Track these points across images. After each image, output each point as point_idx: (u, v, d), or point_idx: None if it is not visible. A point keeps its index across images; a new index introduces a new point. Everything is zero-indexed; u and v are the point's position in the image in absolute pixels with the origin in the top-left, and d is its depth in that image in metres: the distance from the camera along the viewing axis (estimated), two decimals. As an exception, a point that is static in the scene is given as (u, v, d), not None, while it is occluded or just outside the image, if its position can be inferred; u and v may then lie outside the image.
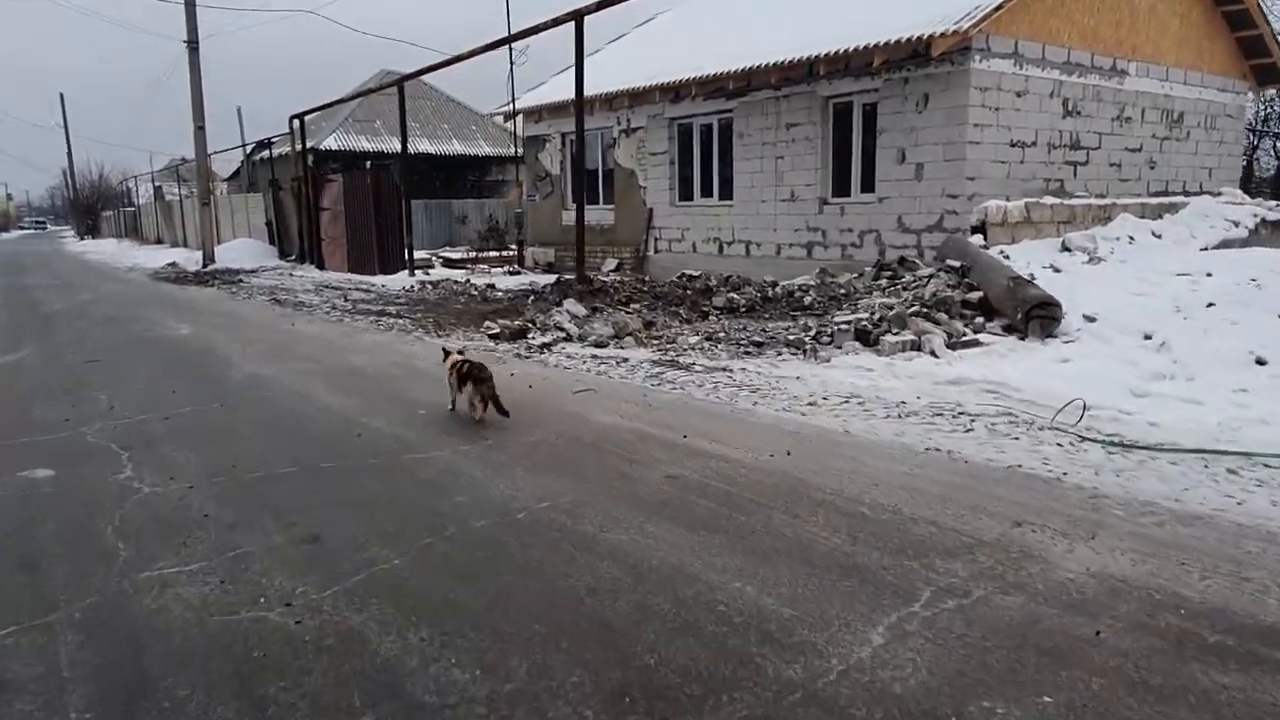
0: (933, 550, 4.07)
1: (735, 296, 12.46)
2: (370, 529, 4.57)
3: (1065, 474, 5.11)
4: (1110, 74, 15.64)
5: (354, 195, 22.33)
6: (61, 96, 65.23)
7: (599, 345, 10.09)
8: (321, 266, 24.20)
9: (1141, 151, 16.51)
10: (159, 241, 44.45)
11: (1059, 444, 5.78)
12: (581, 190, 16.02)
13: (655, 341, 10.36)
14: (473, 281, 17.87)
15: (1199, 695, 2.88)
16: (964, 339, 9.52)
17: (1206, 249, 13.58)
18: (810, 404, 7.03)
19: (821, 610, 3.52)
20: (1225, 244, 13.93)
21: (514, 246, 22.68)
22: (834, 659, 3.15)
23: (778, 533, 4.34)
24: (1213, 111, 17.82)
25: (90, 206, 69.71)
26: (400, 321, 12.78)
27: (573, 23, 14.93)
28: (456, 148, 33.84)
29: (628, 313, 11.76)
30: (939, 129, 14.09)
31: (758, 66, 15.86)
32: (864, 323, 9.86)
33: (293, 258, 26.78)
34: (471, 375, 6.64)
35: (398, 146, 24.10)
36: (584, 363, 9.16)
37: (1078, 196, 14.45)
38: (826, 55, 14.82)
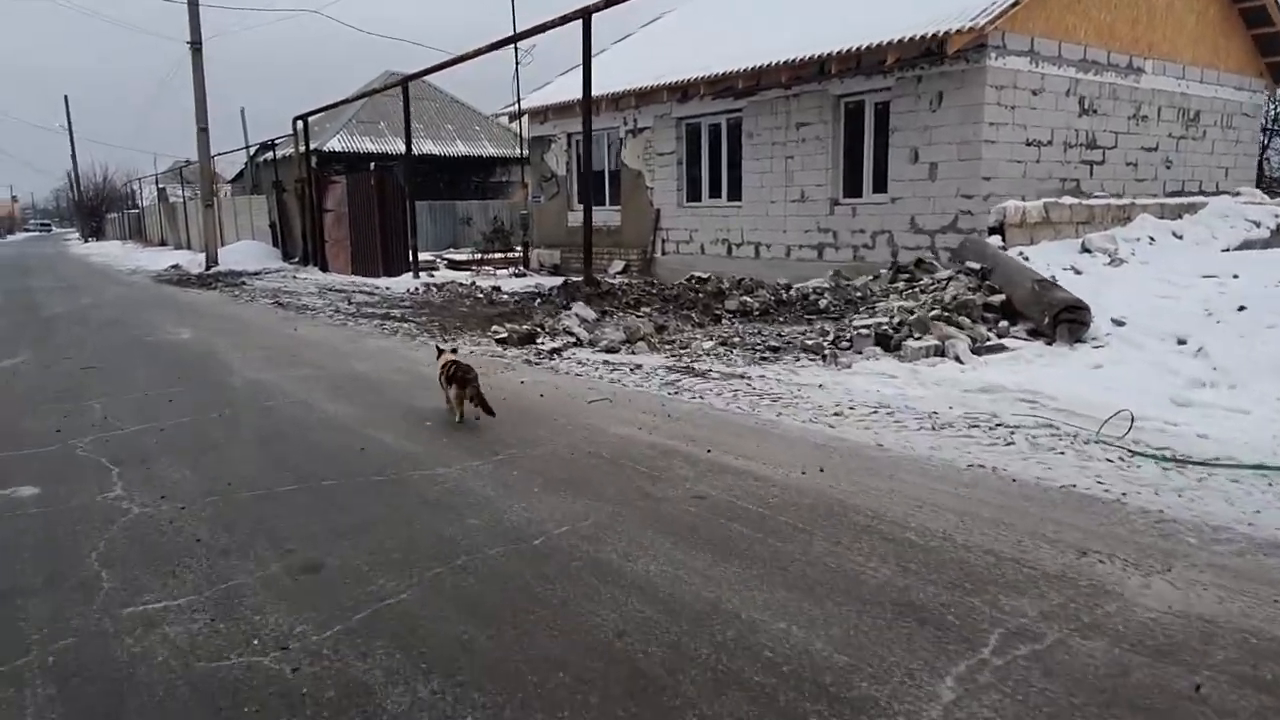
0: (994, 584, 3.66)
1: (748, 300, 12.06)
2: (375, 557, 4.17)
3: (1124, 494, 4.69)
4: (1126, 72, 15.23)
5: (358, 196, 21.94)
6: (66, 99, 64.90)
7: (610, 350, 9.69)
8: (325, 269, 23.81)
9: (1158, 151, 16.11)
10: (163, 243, 44.07)
11: (1108, 459, 5.37)
12: (588, 191, 15.63)
13: (668, 346, 9.96)
14: (478, 284, 17.47)
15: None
16: (988, 344, 9.11)
17: (1228, 250, 13.16)
18: (837, 414, 6.63)
19: (880, 657, 3.11)
20: (1247, 245, 13.51)
21: (519, 248, 22.27)
22: (901, 718, 2.75)
23: (820, 562, 3.93)
24: (1229, 110, 17.41)
25: (95, 209, 69.35)
26: (405, 325, 12.39)
27: (580, 20, 14.53)
28: (461, 149, 33.44)
29: (638, 316, 11.36)
30: (953, 128, 13.69)
31: (768, 65, 15.45)
32: (884, 327, 9.45)
33: (296, 260, 26.39)
34: (457, 377, 6.61)
35: (402, 148, 23.69)
36: (596, 369, 8.75)
37: (1096, 196, 14.04)
38: (838, 53, 14.42)
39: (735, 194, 17.36)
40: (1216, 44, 16.81)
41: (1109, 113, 15.17)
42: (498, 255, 22.54)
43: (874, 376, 8.02)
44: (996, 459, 5.40)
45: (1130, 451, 5.50)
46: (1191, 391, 7.08)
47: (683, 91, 17.55)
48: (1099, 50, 14.78)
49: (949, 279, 11.07)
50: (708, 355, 9.35)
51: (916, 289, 11.35)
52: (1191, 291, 10.54)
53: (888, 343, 9.19)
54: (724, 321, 11.48)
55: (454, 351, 7.20)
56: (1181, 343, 8.61)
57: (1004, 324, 9.66)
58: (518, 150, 29.20)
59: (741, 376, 8.20)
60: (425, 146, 31.04)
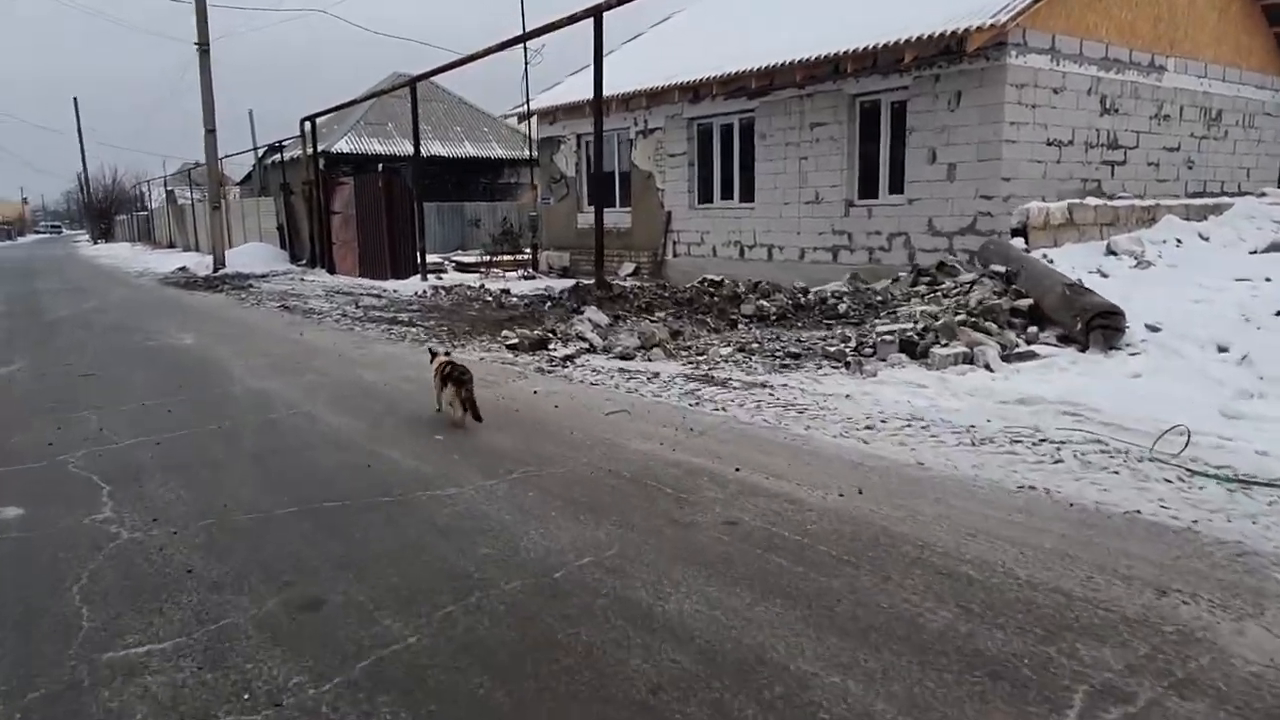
0: (1069, 629, 3.26)
1: (765, 304, 11.65)
2: (380, 592, 3.78)
3: (1195, 522, 4.28)
4: (1148, 70, 14.79)
5: (365, 198, 21.57)
6: (75, 101, 64.59)
7: (625, 357, 9.29)
8: (333, 271, 23.45)
9: (1179, 151, 15.66)
10: (171, 246, 43.79)
11: (1167, 479, 4.95)
12: (600, 193, 15.24)
13: (685, 353, 9.56)
14: (487, 286, 17.09)
15: None
16: (1018, 350, 8.69)
17: (1256, 252, 12.72)
18: (868, 427, 6.22)
19: (953, 722, 2.72)
20: (1274, 247, 13.05)
21: (528, 250, 21.88)
22: (988, 803, 2.35)
23: (871, 602, 3.53)
24: (1251, 109, 16.95)
25: (104, 211, 69.12)
26: (413, 330, 12.00)
27: (591, 19, 14.13)
28: (469, 150, 33.07)
29: (652, 321, 10.96)
30: (973, 128, 13.27)
31: (781, 64, 15.06)
32: (909, 333, 9.04)
33: (304, 262, 26.04)
34: (451, 377, 6.54)
35: (410, 149, 23.32)
36: (611, 377, 8.35)
37: (1120, 197, 13.61)
38: (853, 52, 14.01)
39: (748, 195, 16.95)
40: (1239, 42, 16.36)
41: (1130, 112, 14.73)
42: (506, 257, 22.13)
43: (902, 386, 7.62)
44: (1047, 479, 4.99)
45: (1189, 471, 5.08)
46: (1241, 403, 6.66)
47: (694, 91, 17.16)
48: (1120, 48, 14.34)
49: (972, 283, 10.65)
50: (726, 362, 8.95)
51: (938, 293, 10.93)
52: (1225, 295, 10.12)
53: (913, 349, 8.78)
54: (740, 326, 11.08)
55: (448, 354, 7.13)
56: (1222, 350, 8.20)
57: (1033, 330, 9.24)
58: (526, 152, 28.84)
59: (763, 385, 7.79)
60: (433, 148, 30.68)
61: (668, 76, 17.51)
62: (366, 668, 3.16)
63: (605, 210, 15.73)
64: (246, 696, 3.01)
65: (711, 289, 13.54)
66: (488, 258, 22.46)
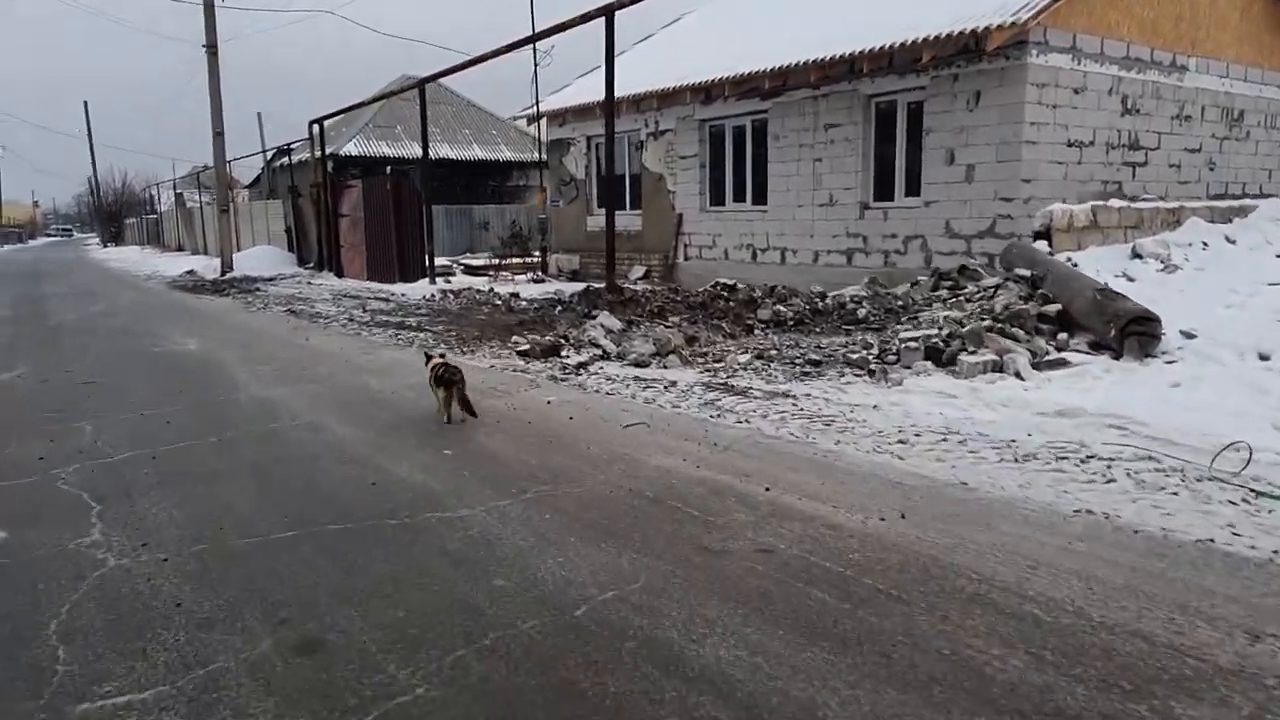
0: (1157, 683, 2.87)
1: (782, 309, 11.26)
2: (385, 632, 3.40)
3: (1276, 553, 3.88)
4: (1170, 70, 14.38)
5: (373, 201, 21.23)
6: (85, 105, 64.51)
7: (640, 364, 8.92)
8: (340, 274, 23.11)
9: (1201, 152, 15.24)
10: (180, 249, 43.53)
11: (1231, 501, 4.56)
12: (611, 195, 14.88)
13: (701, 360, 9.18)
14: (496, 290, 16.73)
15: None
16: (1048, 358, 8.30)
17: (1284, 255, 12.31)
18: (901, 442, 5.83)
19: (1044, 802, 2.33)
20: (1302, 249, 12.65)
21: (537, 253, 21.51)
22: None
23: (930, 647, 3.14)
24: (1273, 110, 16.51)
25: (114, 214, 68.90)
26: (421, 335, 11.64)
27: (603, 18, 13.76)
28: (477, 153, 32.73)
29: (666, 327, 10.58)
30: (992, 128, 12.88)
31: (795, 64, 14.68)
32: (934, 340, 8.64)
33: (311, 265, 25.71)
34: (444, 378, 6.68)
35: (418, 152, 22.98)
36: (627, 386, 7.97)
37: (1144, 199, 13.20)
38: (869, 51, 13.63)
39: (760, 198, 16.57)
40: (1261, 42, 15.93)
41: (1152, 112, 14.32)
42: (516, 260, 21.75)
43: (931, 396, 7.22)
44: (1102, 501, 4.59)
45: (1254, 491, 4.69)
46: (1293, 415, 6.26)
47: (706, 92, 16.79)
48: (1142, 48, 13.94)
49: (996, 287, 10.26)
50: (745, 370, 8.57)
51: (961, 297, 10.54)
52: (1258, 300, 9.73)
53: (938, 356, 8.39)
54: (757, 332, 10.70)
55: (442, 355, 7.29)
56: (1264, 358, 7.81)
57: (1063, 336, 8.85)
58: (535, 154, 28.47)
59: (785, 395, 7.41)
60: (442, 151, 30.34)
61: (679, 77, 17.15)
62: (369, 725, 2.79)
63: (615, 213, 15.36)
64: (233, 761, 2.63)
65: (725, 293, 13.15)
66: (496, 261, 22.09)
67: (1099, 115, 13.52)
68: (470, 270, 22.18)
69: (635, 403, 7.27)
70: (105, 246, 61.46)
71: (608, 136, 14.22)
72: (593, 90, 19.49)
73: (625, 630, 3.35)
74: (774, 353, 9.21)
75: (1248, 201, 14.74)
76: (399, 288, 18.88)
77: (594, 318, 11.50)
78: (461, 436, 6.30)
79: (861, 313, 10.75)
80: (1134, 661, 3.00)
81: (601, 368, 8.83)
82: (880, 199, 14.68)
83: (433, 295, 16.64)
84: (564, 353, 9.57)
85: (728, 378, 8.19)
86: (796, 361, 8.80)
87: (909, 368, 8.28)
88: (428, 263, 19.82)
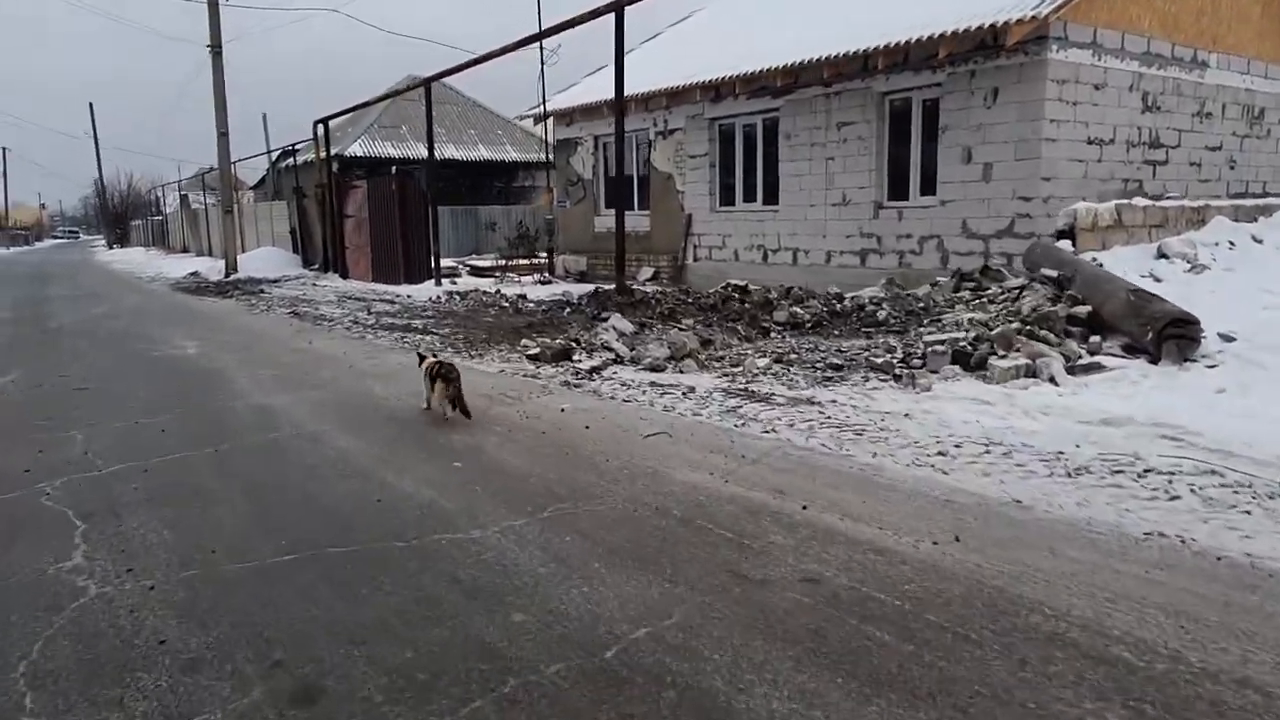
0: (1285, 747, 2.46)
1: (799, 311, 10.84)
2: (391, 677, 3.00)
3: (1381, 583, 3.48)
4: (1191, 66, 13.96)
5: (378, 201, 20.83)
6: (91, 106, 64.10)
7: (656, 369, 8.51)
8: (345, 276, 22.71)
9: (1221, 150, 14.81)
10: (185, 250, 43.18)
11: (1312, 521, 4.15)
12: (621, 195, 14.48)
13: (717, 364, 8.78)
14: (503, 291, 16.32)
15: None
16: (1082, 362, 7.89)
17: (1312, 255, 11.88)
18: (941, 454, 5.42)
19: None
20: (1331, 249, 12.22)
21: (544, 254, 21.11)
22: None
23: (1012, 700, 2.73)
24: (1294, 107, 16.08)
25: (120, 216, 68.54)
26: (427, 338, 11.23)
27: (612, 15, 13.34)
28: (483, 153, 32.33)
29: (680, 330, 10.17)
30: (1010, 125, 12.47)
31: (807, 61, 14.28)
32: (961, 343, 8.23)
33: (316, 267, 25.31)
34: (439, 375, 6.60)
35: (424, 153, 22.57)
36: (643, 392, 7.56)
37: (1169, 198, 12.78)
38: (884, 47, 13.22)
39: (771, 197, 16.16)
40: (1282, 37, 15.51)
41: (1172, 109, 13.90)
42: (522, 261, 21.35)
43: (964, 403, 6.81)
44: (1171, 522, 4.18)
45: (1335, 510, 4.27)
46: (1354, 424, 5.84)
47: (716, 90, 16.38)
48: (1163, 43, 13.52)
49: (1021, 288, 9.85)
50: (764, 374, 8.16)
51: (984, 299, 10.13)
52: (1294, 301, 9.31)
53: (966, 360, 7.98)
54: (773, 335, 10.29)
55: (435, 355, 7.28)
56: (1311, 362, 7.38)
57: (1095, 339, 8.43)
58: (541, 155, 28.08)
59: (810, 401, 7.00)
60: (447, 151, 29.94)
61: (688, 76, 16.75)
62: (374, 797, 2.38)
63: (624, 213, 14.96)
64: (215, 844, 2.23)
65: (737, 294, 12.73)
66: (503, 262, 21.69)
67: (1119, 112, 13.12)
68: (476, 271, 21.79)
69: (654, 410, 6.86)
70: (111, 248, 61.11)
71: (617, 135, 13.81)
72: (600, 89, 19.10)
73: (662, 676, 2.94)
74: (793, 357, 8.81)
75: (1271, 200, 14.32)
76: (404, 289, 18.49)
77: (604, 320, 11.10)
78: (471, 448, 5.89)
79: (881, 315, 10.34)
80: (1250, 719, 2.59)
81: (615, 372, 8.43)
82: (895, 198, 14.28)
83: (439, 297, 16.24)
84: (576, 357, 9.17)
85: (747, 383, 7.79)
86: (817, 366, 8.39)
87: (936, 372, 7.88)
88: (433, 264, 19.42)
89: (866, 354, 8.70)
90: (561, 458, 5.60)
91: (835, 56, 13.87)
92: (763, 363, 8.58)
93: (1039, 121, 12.20)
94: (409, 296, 16.97)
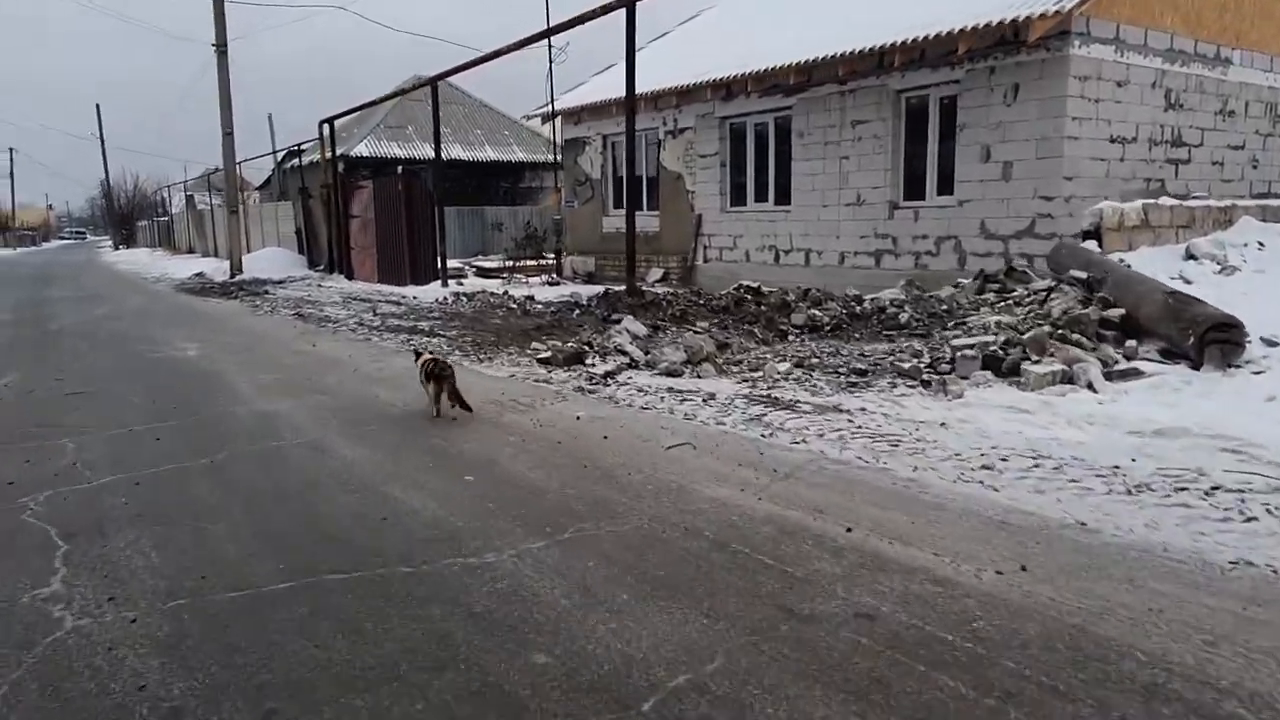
0: None
1: (817, 313, 10.44)
2: (400, 735, 2.60)
3: None
4: (1214, 63, 13.54)
5: (384, 201, 20.45)
6: (98, 108, 63.86)
7: (672, 374, 8.11)
8: (351, 276, 22.34)
9: (1244, 149, 14.38)
10: (191, 251, 42.83)
11: None
12: (632, 194, 14.08)
13: (735, 368, 8.38)
14: (510, 293, 15.92)
15: None
16: (1119, 368, 7.48)
17: (1343, 256, 11.45)
18: (986, 467, 5.01)
19: None
20: (1362, 251, 11.80)
21: (552, 255, 20.71)
22: None
23: (1120, 769, 2.33)
24: (1317, 106, 15.63)
25: (126, 216, 68.20)
26: (434, 341, 10.83)
27: (623, 10, 12.95)
28: (490, 154, 31.94)
29: (696, 333, 9.77)
30: (1031, 123, 12.06)
31: (821, 59, 13.88)
32: (992, 348, 7.83)
33: (321, 267, 24.94)
34: (434, 373, 6.56)
35: (430, 153, 22.21)
36: (661, 398, 7.16)
37: (1195, 198, 12.36)
38: (901, 44, 12.82)
39: (784, 198, 15.74)
40: (1306, 35, 15.07)
41: (1195, 107, 13.48)
42: (530, 262, 20.96)
43: (1001, 411, 6.41)
44: (1255, 548, 3.77)
45: None
46: None
47: (727, 89, 15.98)
48: (1186, 39, 13.11)
49: (1049, 290, 9.44)
50: (786, 380, 7.76)
51: (1010, 301, 9.72)
52: (1334, 304, 8.87)
53: (998, 366, 7.57)
54: (791, 337, 9.88)
55: (432, 353, 7.24)
56: (1363, 369, 6.97)
57: (1131, 343, 8.01)
58: (548, 155, 27.68)
59: (837, 409, 6.59)
60: (453, 151, 29.56)
61: (698, 74, 16.35)
62: None
63: (634, 213, 14.57)
64: None
65: (751, 296, 12.33)
66: (510, 263, 21.30)
67: (1142, 110, 12.71)
68: (483, 272, 21.41)
69: (675, 419, 6.46)
70: (117, 249, 60.80)
71: (628, 133, 13.41)
72: (608, 88, 18.71)
73: (710, 736, 2.54)
74: (814, 361, 8.41)
75: (1299, 200, 13.91)
76: (410, 290, 18.10)
77: (615, 322, 10.71)
78: (484, 459, 5.50)
79: (903, 318, 9.93)
80: None
81: (631, 377, 8.03)
82: (910, 198, 13.87)
83: (445, 298, 15.85)
84: (589, 360, 8.77)
85: (769, 389, 7.38)
86: (840, 371, 7.99)
87: (966, 378, 7.47)
88: (440, 265, 19.03)
89: (891, 358, 8.30)
90: (579, 470, 5.20)
91: (850, 54, 13.47)
92: (783, 367, 8.18)
93: (1061, 119, 11.79)
94: (415, 298, 16.58)
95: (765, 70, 14.79)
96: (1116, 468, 4.89)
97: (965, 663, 2.88)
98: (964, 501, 4.42)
